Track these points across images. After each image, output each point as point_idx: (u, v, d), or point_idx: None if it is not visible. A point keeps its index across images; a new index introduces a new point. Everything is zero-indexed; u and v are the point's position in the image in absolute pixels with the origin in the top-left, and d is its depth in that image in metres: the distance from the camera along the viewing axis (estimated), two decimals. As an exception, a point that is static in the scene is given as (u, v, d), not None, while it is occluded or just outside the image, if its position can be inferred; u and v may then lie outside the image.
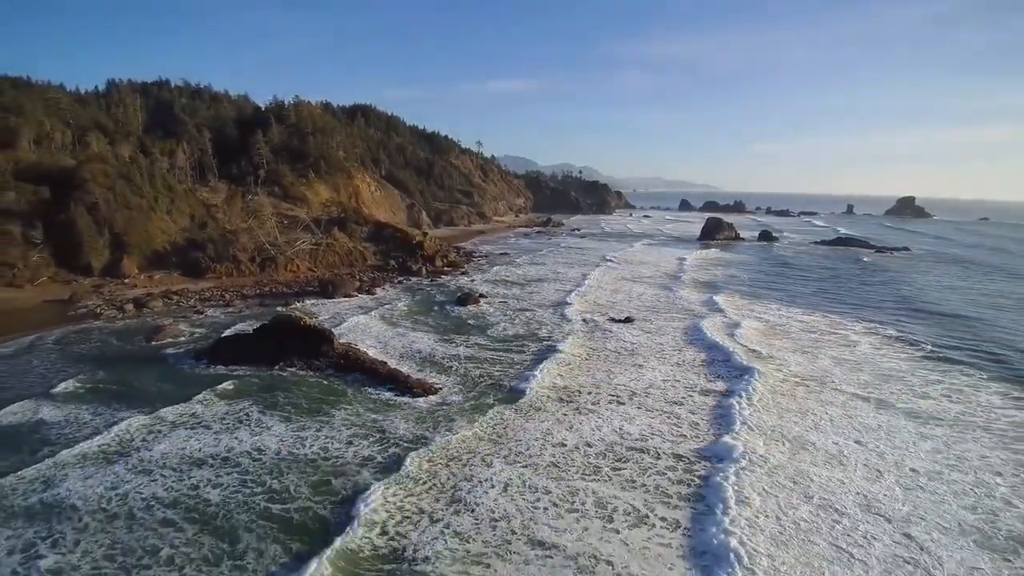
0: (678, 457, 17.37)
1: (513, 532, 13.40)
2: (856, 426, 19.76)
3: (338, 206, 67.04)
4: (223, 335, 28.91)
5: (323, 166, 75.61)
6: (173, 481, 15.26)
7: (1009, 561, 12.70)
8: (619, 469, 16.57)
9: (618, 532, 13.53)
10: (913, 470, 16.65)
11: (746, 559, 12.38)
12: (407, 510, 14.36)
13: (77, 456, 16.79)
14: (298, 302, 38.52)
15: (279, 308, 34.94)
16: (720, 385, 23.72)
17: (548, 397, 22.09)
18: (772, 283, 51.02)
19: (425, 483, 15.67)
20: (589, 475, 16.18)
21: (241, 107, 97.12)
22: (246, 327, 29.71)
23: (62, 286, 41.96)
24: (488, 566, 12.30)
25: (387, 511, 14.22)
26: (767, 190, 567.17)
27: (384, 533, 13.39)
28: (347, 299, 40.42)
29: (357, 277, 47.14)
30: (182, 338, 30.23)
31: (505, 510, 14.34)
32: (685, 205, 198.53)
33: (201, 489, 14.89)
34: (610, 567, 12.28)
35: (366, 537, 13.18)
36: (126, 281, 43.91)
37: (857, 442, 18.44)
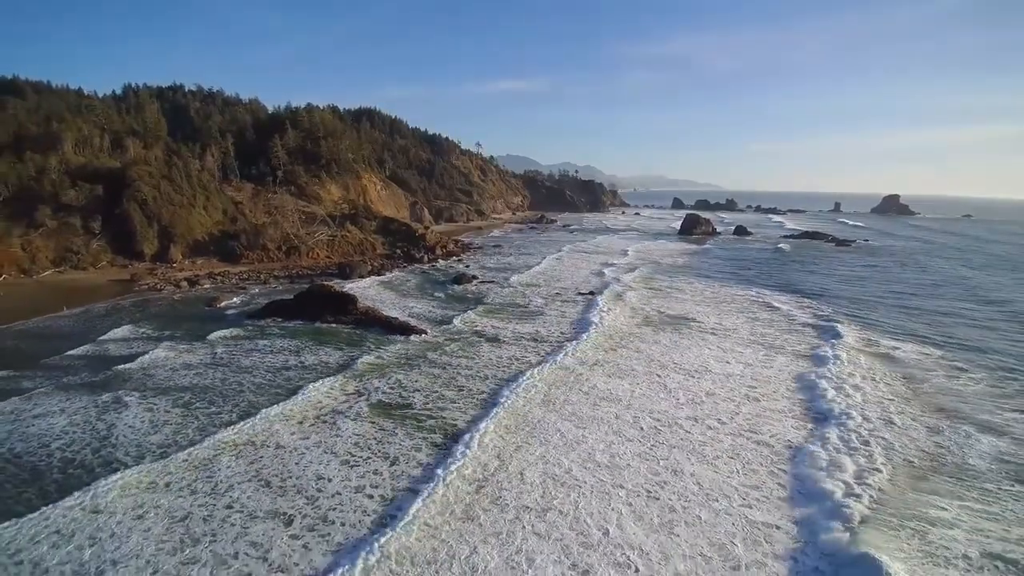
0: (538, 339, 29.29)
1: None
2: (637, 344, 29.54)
3: (349, 203, 74.95)
4: (269, 301, 36.87)
5: (334, 167, 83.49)
6: (271, 376, 23.54)
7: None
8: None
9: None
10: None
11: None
12: (414, 381, 22.68)
13: (184, 364, 24.99)
14: (322, 282, 46.48)
15: (307, 285, 42.92)
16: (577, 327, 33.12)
17: (476, 328, 32.45)
18: (694, 266, 60.30)
19: (421, 368, 24.28)
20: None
21: (255, 111, 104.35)
22: (286, 296, 37.69)
23: (120, 269, 50.11)
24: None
25: (402, 375, 22.73)
26: (767, 189, 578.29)
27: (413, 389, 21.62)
28: (361, 279, 48.42)
29: (369, 263, 55.16)
30: (235, 302, 38.34)
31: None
32: (678, 203, 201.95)
33: (293, 380, 23.11)
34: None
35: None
36: (174, 265, 52.05)
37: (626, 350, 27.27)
